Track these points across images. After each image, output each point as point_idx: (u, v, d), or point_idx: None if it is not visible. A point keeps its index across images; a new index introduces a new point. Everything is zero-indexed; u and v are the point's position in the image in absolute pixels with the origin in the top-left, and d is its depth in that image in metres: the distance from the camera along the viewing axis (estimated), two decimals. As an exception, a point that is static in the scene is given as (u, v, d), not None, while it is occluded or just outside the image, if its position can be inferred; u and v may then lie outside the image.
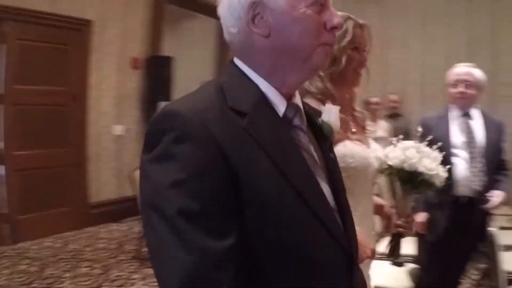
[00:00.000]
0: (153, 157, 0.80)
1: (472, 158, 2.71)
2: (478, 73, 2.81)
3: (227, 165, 0.78)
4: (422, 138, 2.23)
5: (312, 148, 0.96)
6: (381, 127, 5.38)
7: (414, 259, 3.02)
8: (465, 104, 2.83)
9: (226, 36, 0.94)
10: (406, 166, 1.75)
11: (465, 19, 6.37)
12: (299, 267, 0.82)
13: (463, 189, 2.69)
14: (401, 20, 6.95)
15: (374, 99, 5.72)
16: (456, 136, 2.78)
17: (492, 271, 3.05)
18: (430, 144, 1.85)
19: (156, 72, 5.98)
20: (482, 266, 3.69)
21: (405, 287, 2.78)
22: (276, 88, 0.91)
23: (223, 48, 7.23)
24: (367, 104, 5.44)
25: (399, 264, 2.99)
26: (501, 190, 2.75)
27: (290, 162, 0.86)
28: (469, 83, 2.78)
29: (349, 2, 7.07)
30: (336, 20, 0.90)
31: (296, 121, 0.94)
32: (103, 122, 5.59)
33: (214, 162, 0.78)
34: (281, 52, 0.89)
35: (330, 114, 1.05)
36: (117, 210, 5.52)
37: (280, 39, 0.88)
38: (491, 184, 2.72)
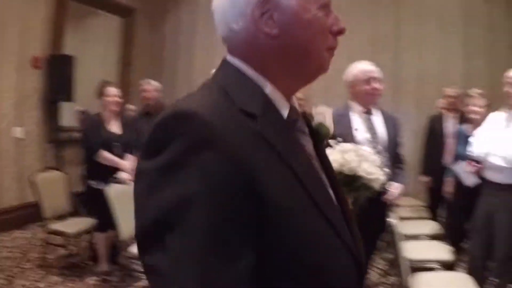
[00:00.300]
0: (162, 165, 0.71)
1: (376, 154, 2.91)
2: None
3: (248, 176, 0.71)
4: None
5: (314, 152, 0.94)
6: None
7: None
8: (375, 101, 2.97)
9: (223, 32, 0.87)
10: (345, 170, 1.70)
11: (367, 20, 6.72)
12: (319, 281, 0.77)
13: None
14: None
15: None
16: (360, 133, 2.89)
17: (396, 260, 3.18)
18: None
19: (58, 72, 5.76)
20: (389, 256, 3.92)
21: None
22: (280, 91, 0.86)
23: (127, 47, 7.15)
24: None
25: None
26: (399, 182, 2.95)
27: (304, 170, 0.81)
28: (380, 80, 2.96)
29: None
30: (342, 25, 0.88)
31: (299, 125, 0.91)
32: (2, 124, 5.31)
33: (237, 174, 0.70)
34: (288, 54, 0.85)
35: (325, 116, 1.04)
36: (20, 217, 5.30)
37: (289, 41, 0.83)
38: (390, 177, 2.86)
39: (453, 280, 3.07)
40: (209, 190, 0.68)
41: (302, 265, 0.75)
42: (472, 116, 3.92)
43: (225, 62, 0.89)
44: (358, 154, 1.73)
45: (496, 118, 3.39)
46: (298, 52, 0.85)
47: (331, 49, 0.89)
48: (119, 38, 7.04)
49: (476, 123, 3.74)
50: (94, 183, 4.05)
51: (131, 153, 4.26)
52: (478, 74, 6.12)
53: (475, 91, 4.08)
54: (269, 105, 0.84)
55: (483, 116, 3.64)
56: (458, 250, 3.87)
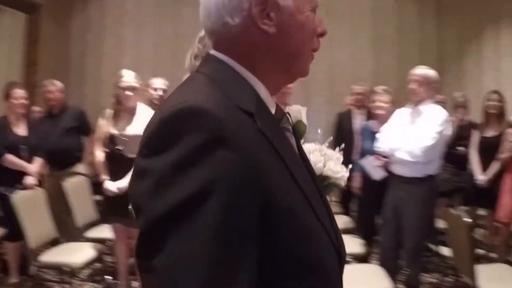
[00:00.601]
0: (173, 163, 0.67)
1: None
2: None
3: (257, 175, 0.71)
4: None
5: (297, 150, 0.93)
6: None
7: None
8: (287, 99, 3.02)
9: (214, 25, 0.84)
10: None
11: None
12: (316, 277, 0.78)
13: None
14: None
15: None
16: None
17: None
18: None
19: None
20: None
21: None
22: (267, 89, 0.86)
23: (32, 45, 6.77)
24: None
25: None
26: None
27: (297, 169, 0.82)
28: None
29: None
30: (324, 27, 0.90)
31: (284, 122, 0.91)
32: None
33: (249, 174, 0.69)
34: (280, 53, 0.85)
35: (301, 114, 1.02)
36: None
37: (283, 40, 0.84)
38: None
39: (366, 272, 3.23)
40: (222, 189, 0.66)
41: (302, 264, 0.76)
42: (378, 112, 4.12)
43: (211, 57, 0.86)
44: (322, 153, 1.72)
45: (402, 114, 3.59)
46: (290, 51, 0.86)
47: (314, 51, 0.90)
48: (24, 36, 6.63)
49: (382, 119, 3.93)
50: (2, 189, 3.86)
51: (38, 156, 4.15)
52: (387, 71, 6.46)
53: (380, 88, 4.29)
54: (261, 103, 0.83)
55: (389, 112, 3.83)
56: (370, 243, 4.07)
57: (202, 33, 1.52)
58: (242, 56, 0.84)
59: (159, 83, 4.41)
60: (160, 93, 4.33)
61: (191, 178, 0.66)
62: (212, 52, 0.87)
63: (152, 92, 4.32)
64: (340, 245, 0.89)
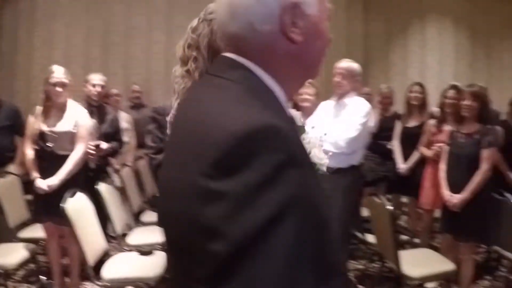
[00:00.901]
0: (249, 184, 0.65)
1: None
2: None
3: (312, 191, 0.72)
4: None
5: None
6: (123, 119, 5.34)
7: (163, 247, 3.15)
8: None
9: (241, 29, 0.82)
10: None
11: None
12: (336, 275, 0.80)
13: None
14: (144, 9, 7.08)
15: (114, 91, 5.66)
16: None
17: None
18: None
19: None
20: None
21: (154, 275, 2.97)
22: (285, 94, 0.86)
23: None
24: (108, 96, 5.30)
25: (147, 253, 3.17)
26: None
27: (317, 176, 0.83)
28: None
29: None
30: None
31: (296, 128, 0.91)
32: None
33: (311, 190, 0.72)
34: (302, 61, 0.86)
35: (297, 118, 1.06)
36: None
37: (307, 48, 0.84)
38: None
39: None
40: (293, 211, 0.66)
41: (330, 264, 0.77)
42: (303, 104, 4.24)
43: (235, 62, 0.83)
44: (307, 141, 1.70)
45: (326, 106, 3.72)
46: (311, 59, 0.87)
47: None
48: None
49: (307, 112, 4.06)
50: None
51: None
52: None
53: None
54: (284, 110, 0.84)
55: (314, 105, 3.94)
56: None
57: (195, 23, 1.53)
58: (265, 63, 0.83)
59: (97, 79, 4.34)
60: (99, 89, 4.25)
61: (268, 200, 0.65)
62: (232, 56, 0.84)
63: (91, 88, 4.25)
64: None
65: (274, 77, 0.83)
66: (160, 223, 0.85)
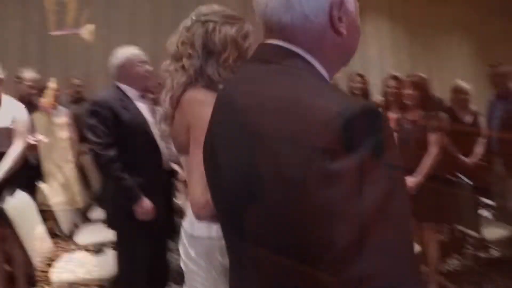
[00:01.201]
0: (367, 160, 0.70)
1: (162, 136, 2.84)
2: None
3: None
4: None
5: None
6: (62, 113, 5.12)
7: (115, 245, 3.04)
8: (148, 84, 2.93)
9: (295, 20, 0.90)
10: None
11: (148, 4, 6.81)
12: None
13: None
14: (86, 2, 6.78)
15: (52, 85, 5.27)
16: (148, 116, 2.81)
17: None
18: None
19: None
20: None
21: (107, 275, 2.90)
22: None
23: None
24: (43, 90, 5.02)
25: (97, 252, 3.09)
26: None
27: None
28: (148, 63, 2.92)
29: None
30: None
31: None
32: None
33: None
34: (344, 51, 0.95)
35: None
36: None
37: (348, 40, 0.93)
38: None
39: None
40: (402, 181, 0.77)
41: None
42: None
43: (287, 50, 0.91)
44: None
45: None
46: (350, 50, 0.97)
47: None
48: None
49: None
50: None
51: None
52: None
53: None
54: None
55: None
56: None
57: (188, 23, 1.61)
58: (315, 50, 0.91)
59: (28, 75, 4.26)
60: (29, 83, 4.16)
61: (383, 175, 0.71)
62: (283, 43, 0.92)
63: (22, 84, 4.11)
64: None
65: (323, 62, 0.92)
66: (235, 218, 0.88)
